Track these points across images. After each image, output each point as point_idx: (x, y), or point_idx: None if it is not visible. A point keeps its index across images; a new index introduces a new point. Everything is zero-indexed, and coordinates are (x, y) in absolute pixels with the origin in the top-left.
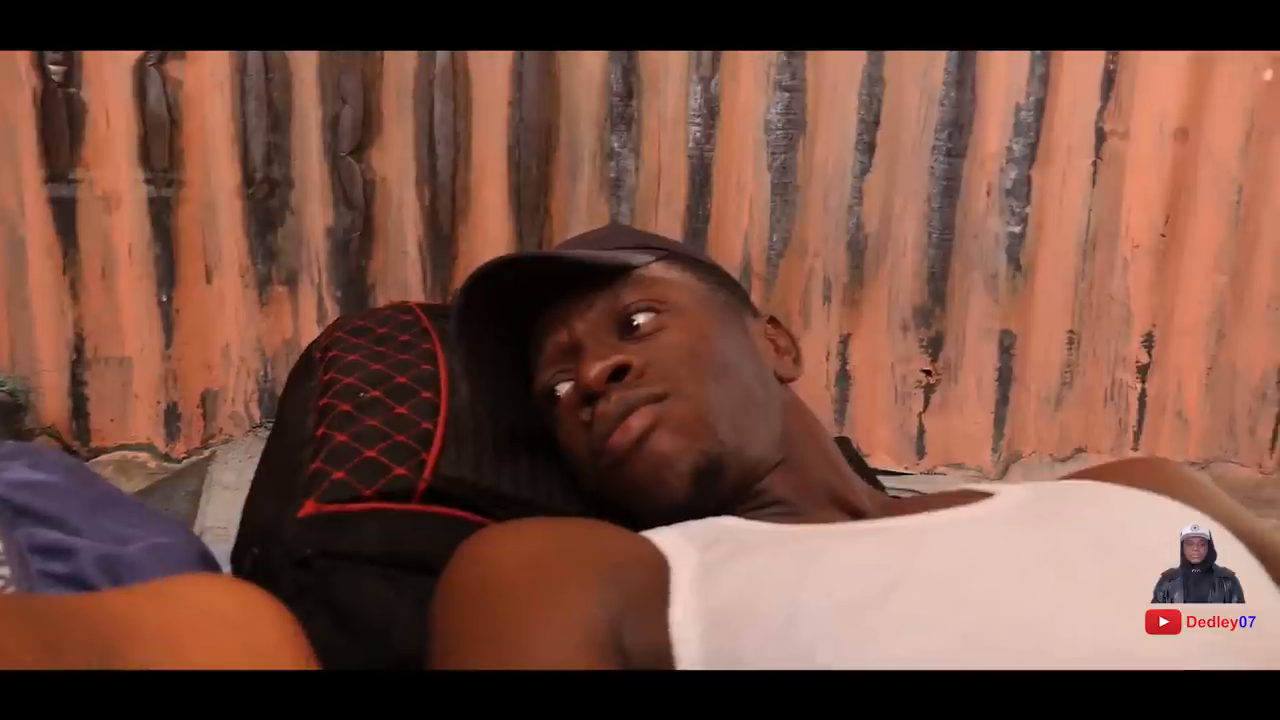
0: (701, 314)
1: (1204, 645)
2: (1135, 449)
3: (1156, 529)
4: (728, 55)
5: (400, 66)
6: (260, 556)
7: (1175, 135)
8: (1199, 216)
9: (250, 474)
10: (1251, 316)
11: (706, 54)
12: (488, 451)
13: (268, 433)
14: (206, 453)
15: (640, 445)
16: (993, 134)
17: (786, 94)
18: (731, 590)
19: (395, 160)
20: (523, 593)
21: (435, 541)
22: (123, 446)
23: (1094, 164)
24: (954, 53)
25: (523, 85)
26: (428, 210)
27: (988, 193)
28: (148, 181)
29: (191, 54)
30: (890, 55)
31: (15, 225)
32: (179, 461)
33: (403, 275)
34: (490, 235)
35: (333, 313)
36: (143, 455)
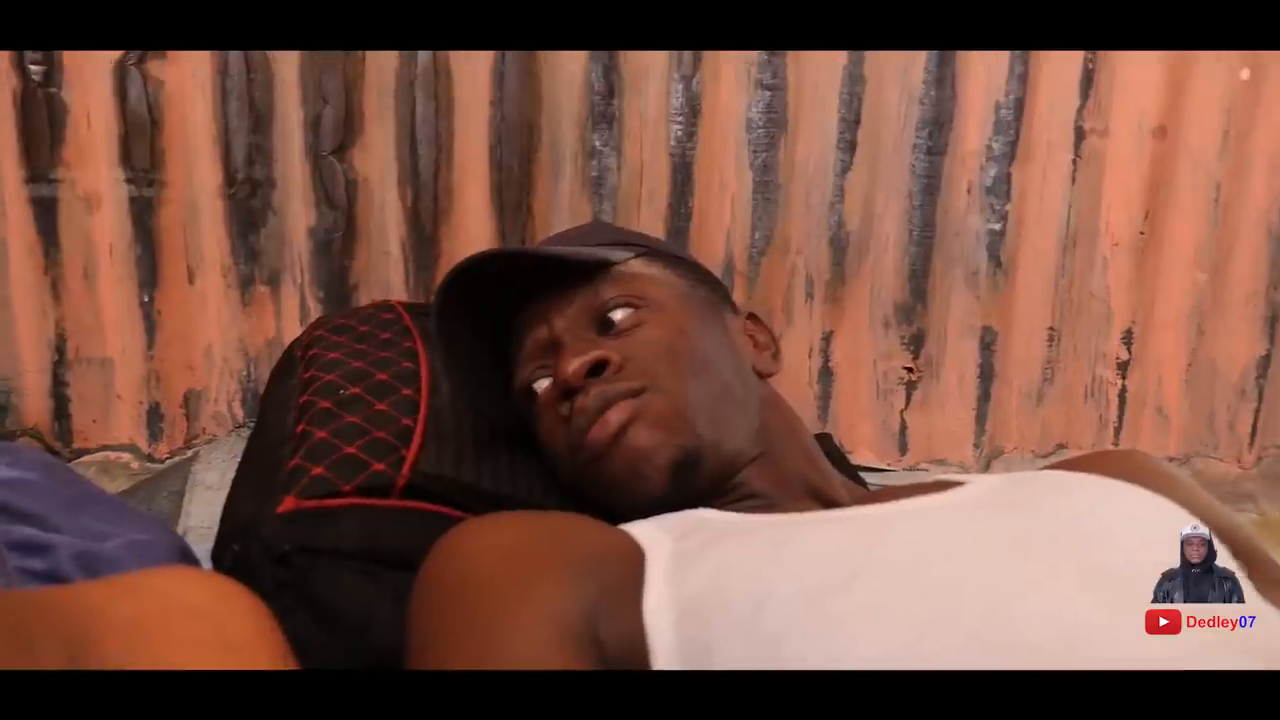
0: (680, 310)
1: (1199, 643)
2: (1116, 444)
3: (1117, 514)
4: (709, 54)
5: (381, 67)
6: (240, 553)
7: (1154, 133)
8: (1178, 214)
9: (233, 473)
10: (1230, 313)
11: (688, 53)
12: (468, 448)
13: (249, 434)
14: (189, 453)
15: (618, 439)
16: (973, 132)
17: (768, 93)
18: (703, 579)
19: (377, 160)
20: (499, 587)
21: (414, 537)
22: (105, 447)
23: (1073, 162)
24: (934, 52)
25: (504, 85)
26: (410, 210)
27: (968, 190)
28: (129, 182)
29: (173, 54)
30: (870, 54)
31: None
32: (162, 462)
33: (385, 275)
34: (473, 235)
35: (315, 312)
36: (125, 456)
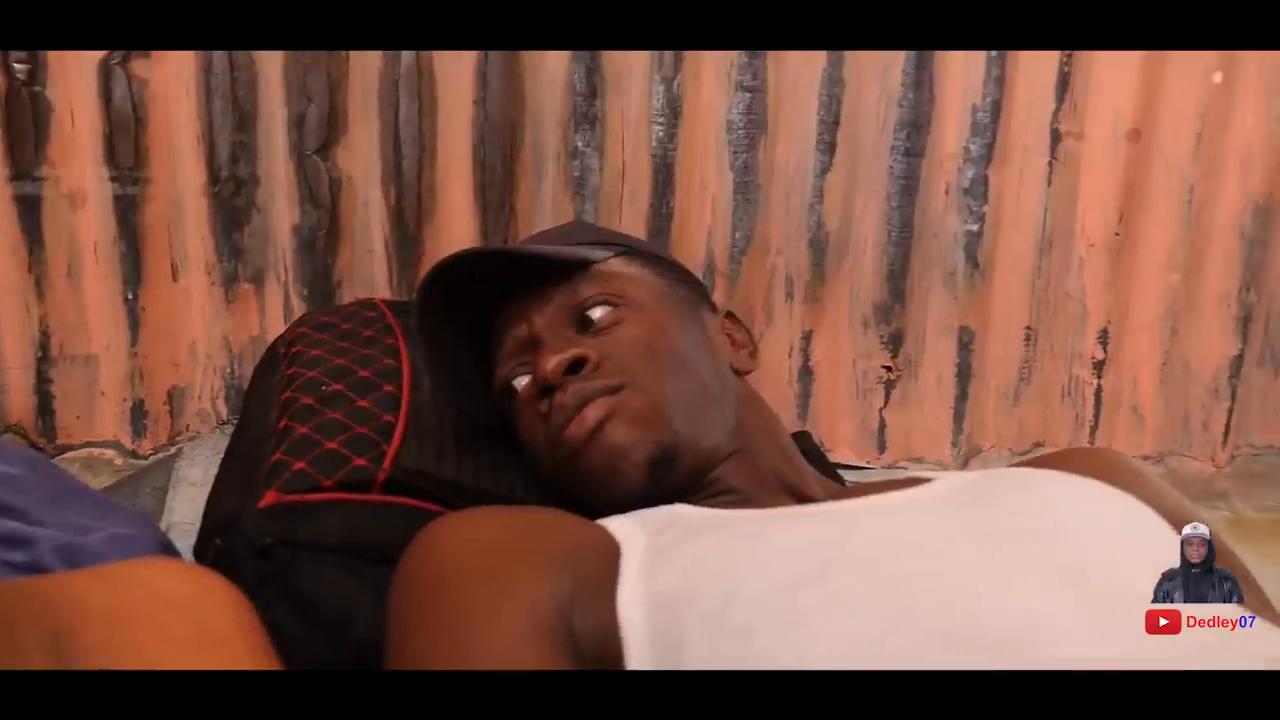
0: (658, 308)
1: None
2: (1092, 443)
3: (1079, 509)
4: (690, 56)
5: (365, 66)
6: (222, 547)
7: (1128, 136)
8: (1152, 216)
9: (216, 470)
10: (1204, 313)
11: (669, 55)
12: (449, 444)
13: (232, 431)
14: (173, 450)
15: (596, 436)
16: (950, 134)
17: (748, 94)
18: (675, 573)
19: (361, 159)
20: (477, 581)
21: (395, 532)
22: (89, 444)
23: (1049, 164)
24: (912, 54)
25: (487, 85)
26: (393, 209)
27: (946, 192)
28: (113, 180)
29: (157, 53)
30: (850, 57)
31: None
32: (145, 458)
33: (369, 273)
34: (456, 234)
35: (299, 310)
36: (109, 452)
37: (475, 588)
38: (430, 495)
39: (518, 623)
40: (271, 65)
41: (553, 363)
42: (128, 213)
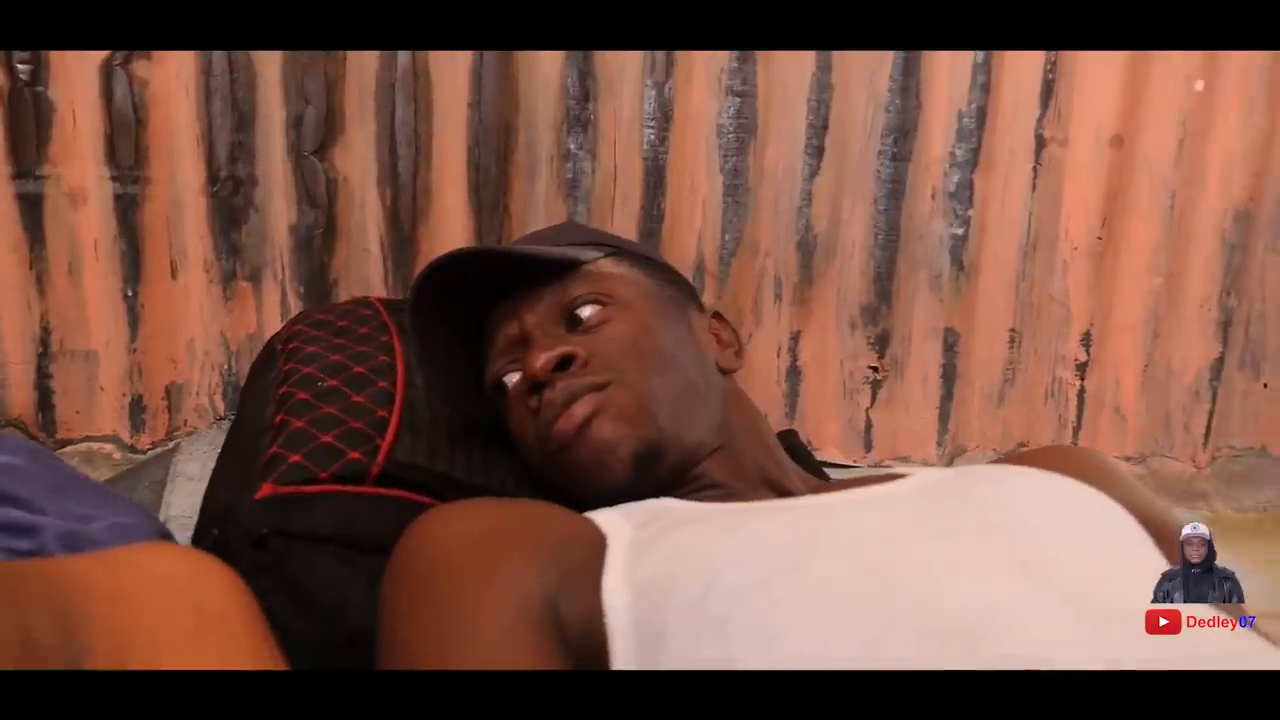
0: (646, 308)
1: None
2: (1075, 444)
3: (1043, 503)
4: (681, 61)
5: (363, 69)
6: (220, 538)
7: (1111, 142)
8: (1134, 220)
9: (214, 465)
10: (1185, 317)
11: (660, 59)
12: (441, 439)
13: (230, 426)
14: (171, 444)
15: (583, 431)
16: (936, 140)
17: (738, 99)
18: (658, 563)
19: (357, 160)
20: (466, 570)
21: (389, 523)
22: (88, 438)
23: (1034, 169)
24: (899, 60)
25: (482, 88)
26: (389, 209)
27: (932, 196)
28: (114, 179)
29: (158, 55)
30: (838, 63)
31: None
32: (144, 453)
33: (364, 272)
34: (450, 234)
35: (296, 308)
36: (108, 447)
37: (464, 577)
38: (423, 488)
39: (505, 610)
40: (270, 67)
41: (542, 360)
42: (128, 211)
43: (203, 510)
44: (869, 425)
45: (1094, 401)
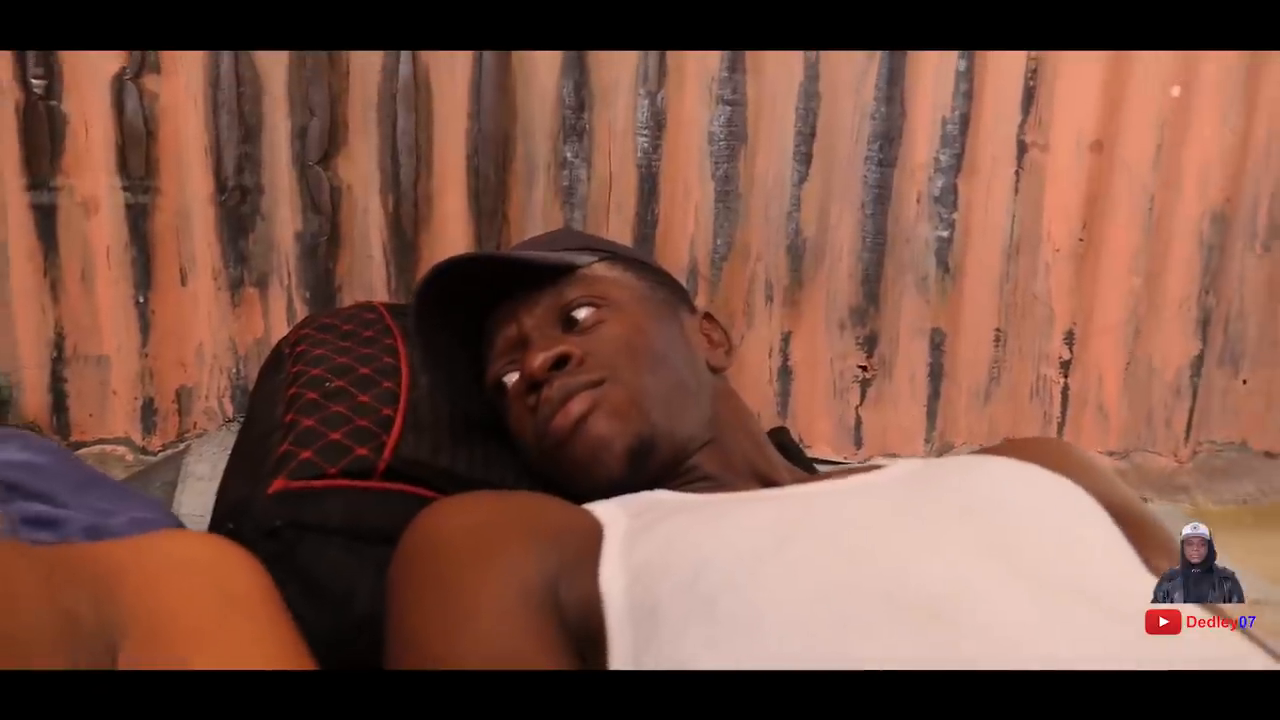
0: (638, 309)
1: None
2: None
3: (1014, 490)
4: (673, 71)
5: (365, 81)
6: (234, 531)
7: (1091, 147)
8: (1114, 223)
9: (223, 465)
10: (1165, 316)
11: (653, 70)
12: (444, 437)
13: (240, 427)
14: (181, 446)
15: (579, 427)
16: (921, 146)
17: (728, 108)
18: (651, 549)
19: (360, 169)
20: (468, 557)
21: (394, 516)
22: (101, 440)
23: (1016, 174)
24: (884, 69)
25: (481, 99)
26: (391, 216)
27: (917, 200)
28: (125, 189)
29: (167, 69)
30: (825, 72)
31: None
32: (155, 454)
33: (368, 278)
34: (451, 240)
35: (301, 313)
36: (120, 449)
37: (466, 564)
38: (427, 483)
39: (506, 593)
40: (275, 80)
41: (540, 360)
42: (138, 220)
43: (216, 505)
44: (859, 423)
45: (1077, 399)
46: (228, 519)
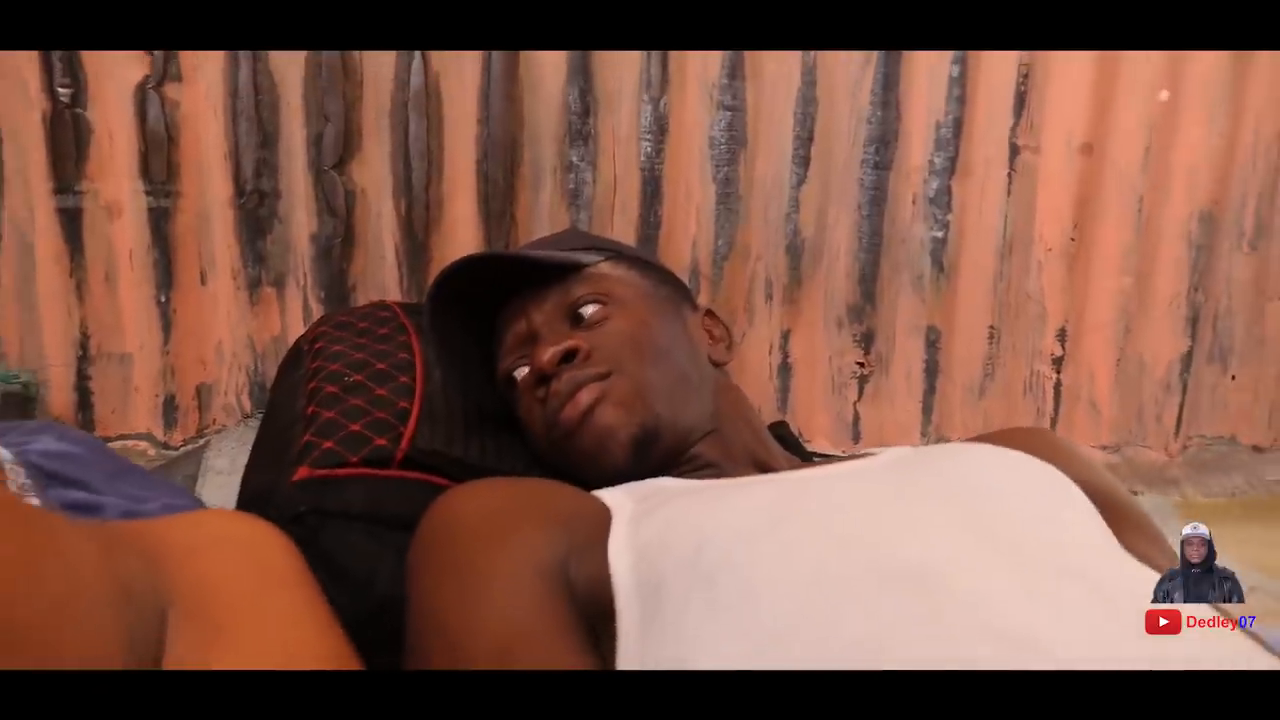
0: (643, 306)
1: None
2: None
3: (998, 475)
4: (675, 77)
5: (379, 89)
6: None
7: (1081, 150)
8: (1105, 223)
9: (242, 460)
10: (1155, 314)
11: (656, 76)
12: (458, 428)
13: (258, 422)
14: (201, 441)
15: (587, 418)
16: (916, 149)
17: (729, 113)
18: (655, 529)
19: (374, 173)
20: (483, 538)
21: (413, 502)
22: (124, 436)
23: (1009, 176)
24: (879, 75)
25: (490, 105)
26: (404, 219)
27: (913, 202)
28: (147, 193)
29: (188, 77)
30: (822, 77)
31: (26, 233)
32: (176, 449)
33: (381, 278)
34: (461, 242)
35: (317, 312)
36: (142, 444)
37: (481, 545)
38: (443, 472)
39: (520, 571)
40: (292, 88)
41: (549, 354)
42: (160, 223)
43: (241, 494)
44: (856, 418)
45: (1070, 394)
46: (252, 506)
